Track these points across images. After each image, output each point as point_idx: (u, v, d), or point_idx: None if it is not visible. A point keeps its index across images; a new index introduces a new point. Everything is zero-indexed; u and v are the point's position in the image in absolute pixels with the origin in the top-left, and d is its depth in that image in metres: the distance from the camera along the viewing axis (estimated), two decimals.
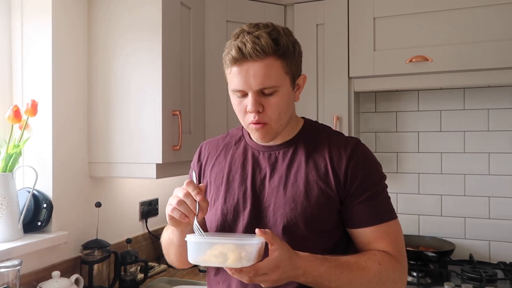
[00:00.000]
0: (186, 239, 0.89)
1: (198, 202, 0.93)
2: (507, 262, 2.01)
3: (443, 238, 2.16)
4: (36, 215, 1.52)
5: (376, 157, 1.08)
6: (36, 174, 1.48)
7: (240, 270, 0.84)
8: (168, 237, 1.12)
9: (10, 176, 1.44)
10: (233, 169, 1.10)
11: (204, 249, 0.87)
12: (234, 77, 0.98)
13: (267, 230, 0.87)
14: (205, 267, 1.67)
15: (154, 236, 2.07)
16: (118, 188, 1.90)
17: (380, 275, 0.95)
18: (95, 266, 1.61)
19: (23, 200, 1.49)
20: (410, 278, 1.85)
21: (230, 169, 1.10)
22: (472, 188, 2.16)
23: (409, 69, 1.85)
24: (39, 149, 1.57)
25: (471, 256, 2.07)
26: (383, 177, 1.05)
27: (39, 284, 1.43)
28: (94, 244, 1.63)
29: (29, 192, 1.49)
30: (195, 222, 0.94)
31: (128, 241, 1.82)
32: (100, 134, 1.69)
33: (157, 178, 1.61)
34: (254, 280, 0.85)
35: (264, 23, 0.99)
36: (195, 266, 1.90)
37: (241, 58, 0.95)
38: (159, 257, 2.06)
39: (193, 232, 0.96)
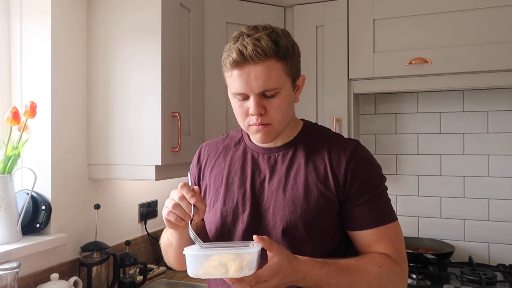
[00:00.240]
0: (184, 252, 0.88)
1: (194, 204, 0.93)
2: (507, 265, 2.01)
3: (442, 240, 2.16)
4: (35, 217, 1.51)
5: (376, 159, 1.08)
6: (35, 176, 1.47)
7: (241, 280, 0.83)
8: (167, 239, 1.12)
9: (9, 178, 1.44)
10: (232, 171, 1.09)
11: (203, 262, 0.85)
12: (235, 80, 0.97)
13: (264, 236, 0.86)
14: None
15: (153, 238, 2.06)
16: (117, 190, 1.89)
17: (381, 278, 0.95)
18: (94, 268, 1.61)
19: (22, 202, 1.48)
20: (409, 281, 1.84)
21: (230, 171, 1.10)
22: (471, 190, 2.16)
23: (408, 71, 1.85)
24: (38, 151, 1.56)
25: (470, 258, 2.07)
26: (383, 179, 1.05)
27: (37, 287, 1.42)
28: (93, 246, 1.62)
29: (27, 194, 1.49)
30: (189, 226, 0.93)
31: (127, 243, 1.82)
32: (99, 135, 1.69)
33: (156, 180, 1.61)
34: (255, 287, 0.85)
35: (263, 25, 0.99)
36: None
37: (242, 61, 0.94)
38: (158, 259, 2.05)
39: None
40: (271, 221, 1.01)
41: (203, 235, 1.11)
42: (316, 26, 2.01)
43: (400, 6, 1.88)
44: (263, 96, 0.97)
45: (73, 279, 1.50)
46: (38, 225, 1.51)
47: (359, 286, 0.94)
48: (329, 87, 1.99)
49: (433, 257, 1.89)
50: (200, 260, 0.86)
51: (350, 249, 1.06)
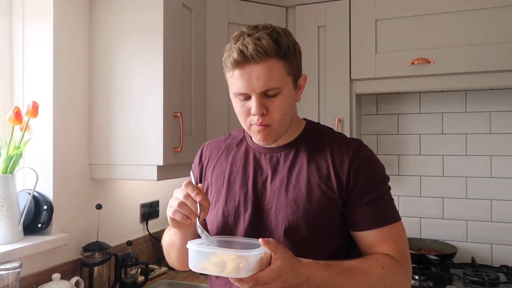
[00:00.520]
0: (187, 246, 0.89)
1: (199, 202, 0.93)
2: (510, 266, 2.00)
3: (445, 241, 2.15)
4: (37, 217, 1.51)
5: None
6: (36, 175, 1.47)
7: (240, 279, 0.84)
8: (170, 239, 1.11)
9: (11, 177, 1.44)
10: (234, 171, 1.09)
11: (205, 257, 0.87)
12: (236, 80, 0.97)
13: (270, 239, 0.86)
14: None
15: (155, 238, 2.06)
16: (118, 190, 1.89)
17: (384, 279, 0.94)
18: (96, 269, 1.60)
19: (24, 202, 1.48)
20: (412, 282, 1.83)
21: (231, 171, 1.09)
22: (474, 190, 2.15)
23: (411, 71, 1.85)
24: (39, 151, 1.56)
25: (473, 260, 2.06)
26: (386, 179, 1.04)
27: (39, 287, 1.42)
28: (95, 246, 1.62)
29: (29, 193, 1.49)
30: (198, 223, 0.94)
31: (129, 243, 1.82)
32: (101, 135, 1.69)
33: (158, 180, 1.61)
34: None
35: (263, 24, 0.99)
36: None
37: (243, 60, 0.94)
38: (160, 259, 2.05)
39: (195, 233, 0.95)
40: (273, 221, 1.01)
41: None
42: (318, 27, 2.01)
43: (402, 6, 1.88)
44: (265, 95, 0.97)
45: (74, 279, 1.50)
46: (39, 225, 1.51)
47: (362, 287, 0.93)
48: (331, 87, 1.99)
49: (436, 258, 1.88)
50: (202, 256, 0.87)
51: (352, 249, 1.05)
